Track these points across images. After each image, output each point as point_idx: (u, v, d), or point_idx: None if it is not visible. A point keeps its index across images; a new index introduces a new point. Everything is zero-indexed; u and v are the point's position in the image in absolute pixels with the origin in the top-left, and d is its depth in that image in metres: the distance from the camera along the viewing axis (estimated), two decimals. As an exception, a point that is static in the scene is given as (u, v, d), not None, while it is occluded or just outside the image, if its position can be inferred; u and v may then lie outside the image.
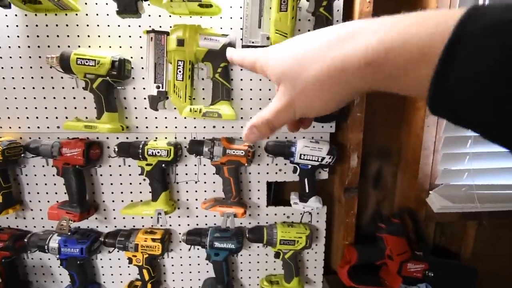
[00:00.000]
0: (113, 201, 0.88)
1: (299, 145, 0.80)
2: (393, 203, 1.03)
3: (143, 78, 0.81)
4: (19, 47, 0.80)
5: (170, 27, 0.77)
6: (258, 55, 0.30)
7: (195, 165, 0.87)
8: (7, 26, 0.79)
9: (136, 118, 0.83)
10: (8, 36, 0.79)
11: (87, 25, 0.78)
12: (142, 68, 0.81)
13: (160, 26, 0.78)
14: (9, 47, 0.80)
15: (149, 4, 0.75)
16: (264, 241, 0.86)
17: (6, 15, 0.78)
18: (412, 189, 0.95)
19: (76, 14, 0.78)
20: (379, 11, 0.79)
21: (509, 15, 0.16)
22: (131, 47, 0.80)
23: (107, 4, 0.77)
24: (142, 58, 0.80)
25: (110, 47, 0.79)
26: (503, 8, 0.17)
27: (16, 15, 0.78)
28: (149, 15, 0.78)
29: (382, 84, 0.22)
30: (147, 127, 0.84)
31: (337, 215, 0.98)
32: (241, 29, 0.78)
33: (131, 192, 0.88)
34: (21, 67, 0.81)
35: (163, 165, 0.79)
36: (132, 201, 0.88)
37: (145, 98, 0.82)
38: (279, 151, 0.83)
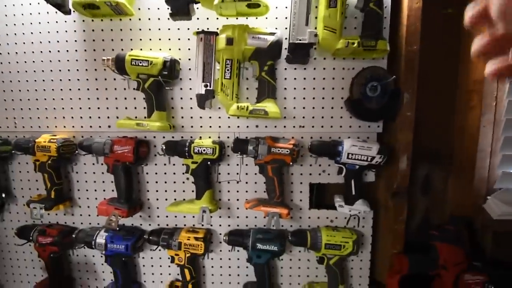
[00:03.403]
0: (157, 199, 0.89)
1: (346, 144, 0.77)
2: (444, 211, 0.96)
3: (190, 79, 0.83)
4: (76, 50, 0.85)
5: (217, 28, 0.79)
6: None
7: (237, 164, 0.87)
8: (66, 31, 0.85)
9: (182, 117, 0.85)
10: (67, 41, 0.85)
11: (140, 29, 0.82)
12: (189, 69, 0.83)
13: (208, 28, 0.80)
14: (67, 51, 0.86)
15: (197, 8, 0.78)
16: (308, 245, 0.83)
17: (65, 21, 0.84)
18: (466, 195, 0.88)
19: (130, 19, 0.82)
20: (427, 7, 0.77)
21: None
22: (179, 49, 0.82)
23: (158, 9, 0.81)
24: (189, 59, 0.83)
25: (160, 49, 0.82)
26: None
27: (74, 21, 0.84)
28: (198, 18, 0.80)
29: None
30: (192, 126, 0.85)
31: (383, 221, 0.92)
32: (286, 28, 0.79)
33: (174, 191, 0.88)
34: (77, 70, 0.86)
35: (208, 163, 0.80)
36: (175, 199, 0.89)
37: (191, 98, 0.84)
38: (324, 150, 0.81)
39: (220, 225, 0.90)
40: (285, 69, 0.82)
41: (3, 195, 0.93)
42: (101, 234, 0.84)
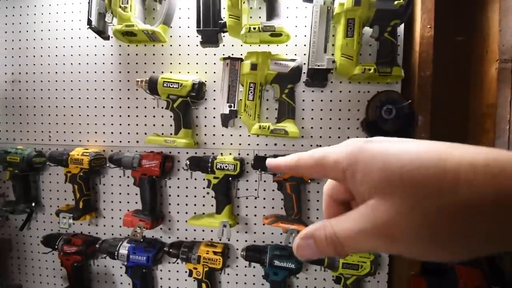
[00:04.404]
0: (178, 212, 0.93)
1: (363, 164, 0.80)
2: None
3: (214, 99, 0.90)
4: (111, 72, 0.93)
5: (241, 54, 0.86)
6: (327, 150, 0.21)
7: (256, 181, 0.90)
8: (103, 54, 0.94)
9: (205, 135, 0.90)
10: (103, 63, 0.94)
11: (170, 54, 0.90)
12: (214, 90, 0.89)
13: (232, 54, 0.87)
14: (103, 72, 0.94)
15: (224, 36, 0.85)
16: (325, 263, 0.83)
17: (103, 46, 0.93)
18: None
19: (162, 45, 0.90)
20: (439, 35, 0.82)
21: None
22: (206, 72, 0.89)
23: (188, 36, 0.89)
24: (214, 82, 0.89)
25: (188, 72, 0.89)
26: None
27: (111, 45, 0.93)
28: (223, 45, 0.87)
29: None
30: (214, 143, 0.90)
31: (399, 240, 0.93)
32: (304, 54, 0.85)
33: (195, 205, 0.92)
34: (111, 89, 0.93)
35: (229, 178, 0.84)
36: (195, 213, 0.92)
37: (214, 117, 0.89)
38: (341, 169, 0.83)
39: (237, 240, 0.92)
40: (303, 91, 0.88)
41: (33, 204, 0.99)
42: (124, 245, 0.88)
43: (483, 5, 0.88)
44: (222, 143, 0.90)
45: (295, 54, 0.86)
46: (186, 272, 0.89)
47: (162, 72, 0.90)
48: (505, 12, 0.84)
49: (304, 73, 0.84)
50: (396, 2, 0.73)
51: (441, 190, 0.15)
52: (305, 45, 0.86)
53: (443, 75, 0.92)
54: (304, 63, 0.84)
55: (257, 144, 0.90)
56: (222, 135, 0.90)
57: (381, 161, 0.17)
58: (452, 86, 0.94)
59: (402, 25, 0.82)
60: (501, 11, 0.84)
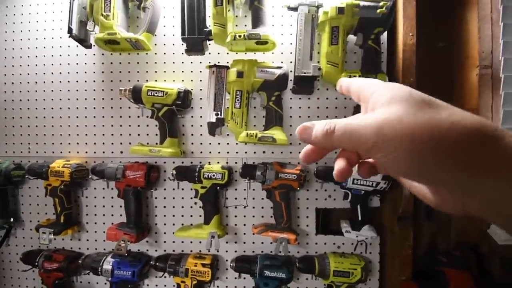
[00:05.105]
0: (164, 224, 0.90)
1: (351, 170, 0.80)
2: (449, 237, 0.97)
3: (201, 108, 0.88)
4: (94, 81, 0.91)
5: (227, 62, 0.85)
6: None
7: (244, 189, 0.89)
8: (85, 63, 0.91)
9: (192, 143, 0.89)
10: (85, 72, 0.91)
11: (155, 63, 0.89)
12: (200, 98, 0.88)
13: (218, 62, 0.87)
14: (85, 81, 0.91)
15: (209, 44, 0.84)
16: (316, 272, 0.82)
17: (85, 54, 0.91)
18: (471, 220, 0.89)
19: (146, 54, 0.89)
20: (420, 42, 0.84)
21: None
22: (192, 80, 0.88)
23: (173, 44, 0.88)
24: (201, 90, 0.88)
25: (174, 80, 0.88)
26: None
27: (94, 54, 0.91)
28: (209, 53, 0.86)
29: None
30: (201, 152, 0.89)
31: (390, 247, 0.93)
32: (290, 62, 0.85)
33: (182, 216, 0.90)
34: (94, 99, 0.91)
35: (217, 187, 0.82)
36: (183, 224, 0.89)
37: (201, 126, 0.88)
38: (330, 176, 0.83)
39: (226, 251, 0.90)
40: (291, 98, 0.87)
41: (11, 220, 0.94)
42: (107, 260, 0.84)
43: (462, 12, 0.90)
44: (210, 152, 0.89)
45: (282, 62, 0.86)
46: (174, 286, 0.86)
47: (147, 80, 0.88)
48: (483, 20, 0.87)
49: (291, 80, 0.84)
50: (378, 11, 0.75)
51: (439, 111, 0.20)
52: (291, 53, 0.86)
53: (427, 80, 0.94)
54: (291, 71, 0.84)
55: (245, 152, 0.88)
56: (210, 143, 0.88)
57: (403, 87, 0.23)
58: (435, 91, 0.95)
59: (386, 33, 0.84)
60: (480, 19, 0.87)
